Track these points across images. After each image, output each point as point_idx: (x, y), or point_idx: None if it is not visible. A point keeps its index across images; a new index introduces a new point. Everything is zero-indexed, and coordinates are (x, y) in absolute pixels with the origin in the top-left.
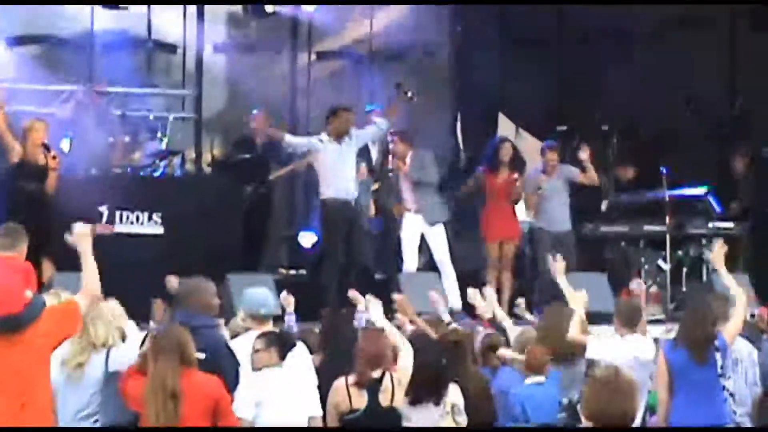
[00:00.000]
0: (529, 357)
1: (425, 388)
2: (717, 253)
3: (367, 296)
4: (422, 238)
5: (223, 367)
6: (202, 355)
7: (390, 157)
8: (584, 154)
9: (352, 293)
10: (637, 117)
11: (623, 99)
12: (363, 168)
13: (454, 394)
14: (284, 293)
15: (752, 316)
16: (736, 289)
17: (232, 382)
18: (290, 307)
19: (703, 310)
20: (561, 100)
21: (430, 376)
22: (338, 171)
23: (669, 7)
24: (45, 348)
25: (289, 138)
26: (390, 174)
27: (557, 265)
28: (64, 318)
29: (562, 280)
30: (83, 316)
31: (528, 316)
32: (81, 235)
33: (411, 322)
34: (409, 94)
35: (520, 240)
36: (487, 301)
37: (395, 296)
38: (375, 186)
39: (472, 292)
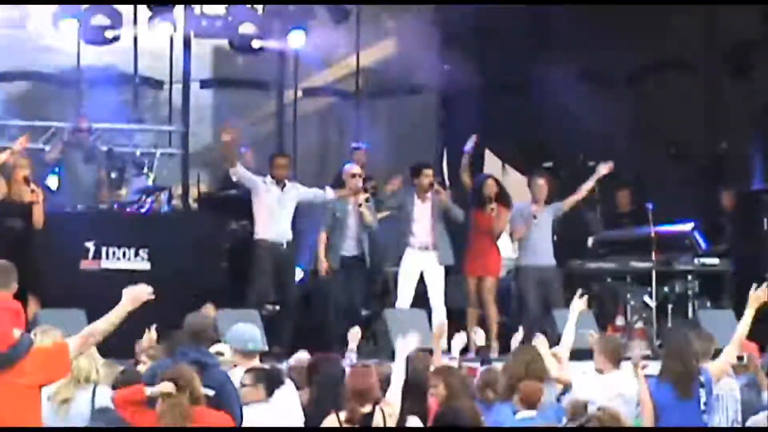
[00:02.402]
0: (524, 392)
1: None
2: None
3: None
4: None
5: (231, 404)
6: (211, 392)
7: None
8: (604, 170)
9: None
10: (620, 158)
11: (605, 141)
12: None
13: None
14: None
15: (740, 358)
16: (744, 327)
17: (238, 419)
18: (353, 343)
19: (683, 345)
20: (545, 139)
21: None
22: (275, 215)
23: (650, 51)
24: (31, 387)
25: (239, 168)
26: (419, 200)
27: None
28: (52, 359)
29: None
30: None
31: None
32: (134, 296)
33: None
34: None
35: (499, 276)
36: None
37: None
38: (383, 214)
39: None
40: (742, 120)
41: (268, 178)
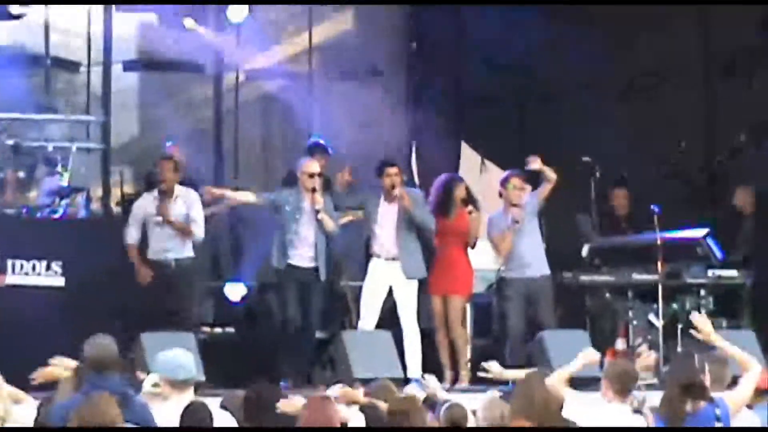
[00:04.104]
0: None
1: None
2: (704, 331)
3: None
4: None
5: None
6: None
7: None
8: (535, 164)
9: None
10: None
11: (600, 150)
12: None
13: None
14: None
15: None
16: (742, 356)
17: None
18: None
19: (687, 376)
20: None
21: None
22: (156, 230)
23: (645, 61)
24: None
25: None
26: (381, 204)
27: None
28: None
29: None
30: None
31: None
32: None
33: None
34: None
35: (469, 296)
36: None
37: (337, 389)
38: (345, 219)
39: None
40: (740, 130)
41: (155, 192)
